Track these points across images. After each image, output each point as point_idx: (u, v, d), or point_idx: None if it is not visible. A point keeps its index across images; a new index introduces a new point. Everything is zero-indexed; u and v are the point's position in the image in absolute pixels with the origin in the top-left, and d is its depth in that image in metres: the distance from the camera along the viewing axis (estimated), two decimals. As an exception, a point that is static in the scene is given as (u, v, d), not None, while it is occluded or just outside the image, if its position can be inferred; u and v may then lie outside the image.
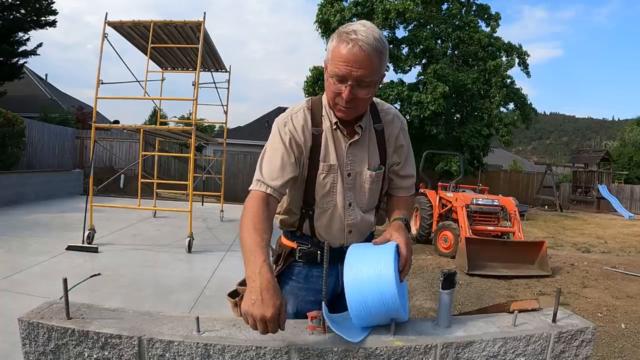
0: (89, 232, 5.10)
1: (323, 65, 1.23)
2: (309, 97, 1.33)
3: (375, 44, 1.09)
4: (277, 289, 0.94)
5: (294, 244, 1.34)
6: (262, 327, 0.89)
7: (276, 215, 1.36)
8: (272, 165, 1.20)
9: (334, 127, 1.25)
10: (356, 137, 1.26)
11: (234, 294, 1.40)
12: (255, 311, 0.89)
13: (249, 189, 1.22)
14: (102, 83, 5.34)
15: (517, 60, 15.09)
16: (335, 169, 1.24)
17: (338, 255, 1.21)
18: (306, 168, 1.25)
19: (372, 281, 0.97)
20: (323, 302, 1.01)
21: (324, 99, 1.28)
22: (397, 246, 1.10)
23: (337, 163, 1.24)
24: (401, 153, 1.35)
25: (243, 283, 1.40)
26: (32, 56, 14.60)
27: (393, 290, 0.95)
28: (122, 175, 10.32)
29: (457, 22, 14.84)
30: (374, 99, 1.37)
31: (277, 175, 1.18)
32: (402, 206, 1.36)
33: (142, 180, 7.77)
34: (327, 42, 1.21)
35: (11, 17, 13.72)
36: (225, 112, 8.37)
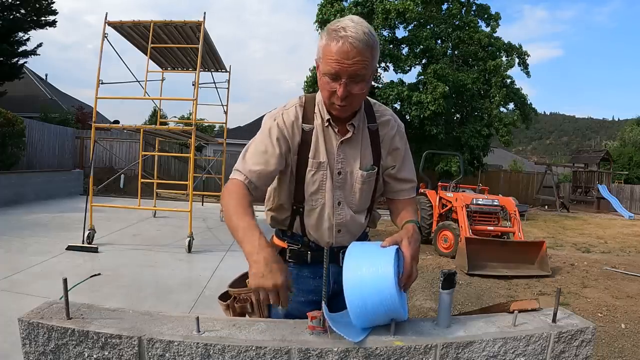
0: (89, 232, 5.10)
1: (315, 64, 1.22)
2: (303, 94, 1.32)
3: (365, 39, 1.08)
4: (279, 258, 1.01)
5: (284, 244, 1.33)
6: (274, 298, 0.96)
7: (267, 211, 1.36)
8: (254, 158, 1.20)
9: (326, 124, 1.24)
10: (348, 135, 1.24)
11: (224, 297, 1.39)
12: (267, 282, 0.95)
13: (230, 177, 1.22)
14: (102, 83, 5.34)
15: (517, 60, 15.10)
16: (325, 167, 1.23)
17: (330, 256, 1.20)
18: (295, 164, 1.24)
19: (371, 280, 0.97)
20: (323, 302, 1.01)
21: (318, 95, 1.27)
22: (399, 249, 1.08)
23: (326, 161, 1.23)
24: (396, 156, 1.33)
25: (234, 285, 1.39)
26: (32, 56, 14.63)
27: (392, 290, 0.95)
28: (122, 175, 10.31)
29: (457, 22, 14.84)
30: (370, 99, 1.36)
31: (258, 169, 1.18)
32: (409, 207, 1.32)
33: (142, 180, 7.77)
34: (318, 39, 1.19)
35: (11, 17, 13.72)
36: (225, 112, 8.38)
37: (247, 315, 1.34)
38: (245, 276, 1.42)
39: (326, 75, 1.12)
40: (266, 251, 0.99)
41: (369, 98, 1.35)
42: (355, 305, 0.97)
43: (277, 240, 1.36)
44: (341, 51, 1.07)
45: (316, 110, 1.26)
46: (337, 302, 1.18)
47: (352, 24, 1.09)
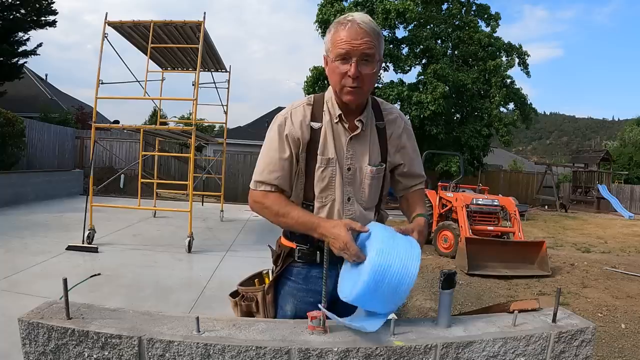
0: (89, 232, 5.09)
1: (323, 62, 1.26)
2: (312, 94, 1.35)
3: (371, 24, 1.18)
4: (336, 223, 1.16)
5: (293, 244, 1.32)
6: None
7: None
8: (269, 167, 1.25)
9: (336, 120, 1.26)
10: (357, 131, 1.27)
11: (235, 294, 1.41)
12: (336, 245, 1.12)
13: (251, 187, 1.28)
14: (102, 83, 5.33)
15: (517, 60, 15.12)
16: (334, 163, 1.25)
17: (337, 256, 1.20)
18: (304, 162, 1.26)
19: (396, 270, 0.99)
20: (323, 300, 1.01)
21: (327, 94, 1.31)
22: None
23: (335, 157, 1.25)
24: (404, 154, 1.36)
25: (244, 284, 1.41)
26: (32, 56, 14.60)
27: (409, 285, 0.99)
28: (122, 175, 10.32)
29: (457, 22, 14.86)
30: (377, 98, 1.38)
31: (275, 176, 1.24)
32: (417, 199, 1.38)
33: (142, 180, 7.76)
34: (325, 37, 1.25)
35: (11, 17, 13.71)
36: (225, 112, 8.37)
37: (253, 315, 1.36)
38: (254, 276, 1.44)
39: (337, 59, 1.18)
40: (323, 226, 1.16)
41: (376, 97, 1.38)
42: (372, 283, 0.99)
43: (285, 241, 1.36)
44: (350, 32, 1.15)
45: (325, 108, 1.29)
46: (341, 303, 1.18)
47: (357, 14, 1.19)
